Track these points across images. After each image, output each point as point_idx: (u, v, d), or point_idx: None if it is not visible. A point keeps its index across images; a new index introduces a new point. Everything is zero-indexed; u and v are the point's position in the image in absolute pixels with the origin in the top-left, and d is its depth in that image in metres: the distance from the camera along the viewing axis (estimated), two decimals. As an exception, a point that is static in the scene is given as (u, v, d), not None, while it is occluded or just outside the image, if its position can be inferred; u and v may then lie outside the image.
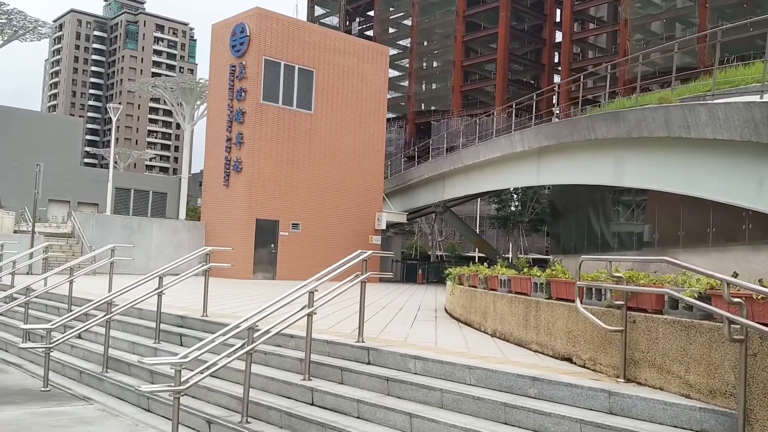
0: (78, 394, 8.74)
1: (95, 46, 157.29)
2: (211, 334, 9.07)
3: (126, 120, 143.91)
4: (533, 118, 25.15)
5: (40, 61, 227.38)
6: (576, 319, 6.68)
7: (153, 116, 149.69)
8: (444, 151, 44.15)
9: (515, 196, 47.62)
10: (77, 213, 26.45)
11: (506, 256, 49.48)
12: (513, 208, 49.29)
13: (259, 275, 27.43)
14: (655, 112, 14.71)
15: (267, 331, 7.14)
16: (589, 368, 6.41)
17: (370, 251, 8.37)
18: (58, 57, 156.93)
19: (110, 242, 26.35)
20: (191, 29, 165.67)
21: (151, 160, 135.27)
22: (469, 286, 10.93)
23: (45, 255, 14.49)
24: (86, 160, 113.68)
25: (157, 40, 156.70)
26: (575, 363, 6.67)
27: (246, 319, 7.04)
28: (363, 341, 7.73)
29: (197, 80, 45.02)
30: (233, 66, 28.67)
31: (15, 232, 25.57)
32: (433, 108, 69.91)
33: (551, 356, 7.20)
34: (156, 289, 9.74)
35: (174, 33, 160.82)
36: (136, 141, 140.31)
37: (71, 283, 12.03)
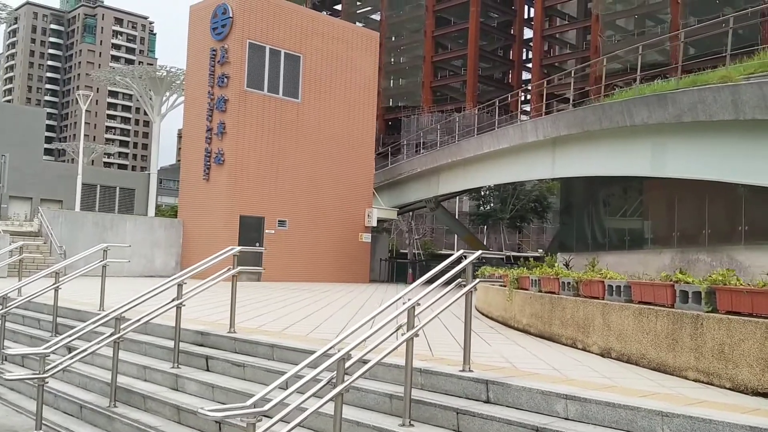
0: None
1: (52, 39, 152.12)
2: (248, 356, 7.16)
3: (84, 115, 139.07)
4: (516, 113, 23.54)
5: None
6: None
7: (111, 111, 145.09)
8: (414, 147, 42.59)
9: (496, 193, 46.34)
10: (45, 210, 23.96)
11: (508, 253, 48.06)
12: (493, 205, 48.04)
13: (243, 276, 25.23)
14: (718, 92, 13.12)
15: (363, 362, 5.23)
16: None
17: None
18: (13, 51, 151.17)
19: (81, 241, 24.06)
20: (151, 23, 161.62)
21: (109, 156, 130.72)
22: (546, 291, 9.12)
23: (20, 256, 12.26)
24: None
25: (115, 33, 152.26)
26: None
27: (334, 345, 5.12)
28: (471, 370, 5.85)
29: (168, 68, 42.48)
30: (214, 50, 26.45)
31: (-27, 230, 23.03)
32: (401, 104, 68.46)
33: (730, 389, 5.43)
34: (174, 300, 7.72)
35: (133, 27, 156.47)
36: (94, 137, 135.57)
37: (57, 290, 9.90)
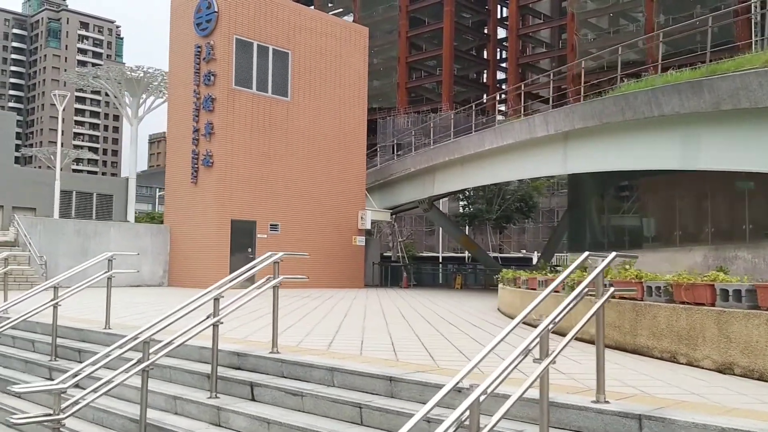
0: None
1: (15, 44, 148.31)
2: (299, 381, 6.01)
3: (50, 122, 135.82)
4: (493, 114, 22.66)
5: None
6: None
7: (79, 118, 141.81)
8: (391, 149, 41.63)
9: (481, 193, 45.51)
10: (22, 218, 22.36)
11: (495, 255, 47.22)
12: (479, 205, 47.18)
13: (236, 284, 23.92)
14: (766, 76, 12.24)
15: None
16: None
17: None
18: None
19: (62, 251, 22.52)
20: (118, 27, 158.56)
21: (78, 162, 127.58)
22: (622, 297, 8.04)
23: (5, 269, 10.86)
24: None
25: (81, 38, 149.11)
26: None
27: (463, 375, 3.97)
28: (607, 400, 4.74)
29: (146, 69, 40.79)
30: (198, 47, 25.11)
31: (-56, 241, 21.38)
32: (375, 106, 67.64)
33: None
34: (209, 317, 6.51)
35: (99, 31, 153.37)
36: (62, 143, 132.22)
37: (56, 307, 8.61)
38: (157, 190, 75.22)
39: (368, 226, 28.81)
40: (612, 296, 5.29)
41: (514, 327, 4.42)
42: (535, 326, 4.37)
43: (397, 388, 5.68)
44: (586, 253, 5.16)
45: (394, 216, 42.93)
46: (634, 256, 6.31)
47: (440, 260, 54.07)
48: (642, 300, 7.67)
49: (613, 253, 5.00)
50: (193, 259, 24.62)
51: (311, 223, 26.59)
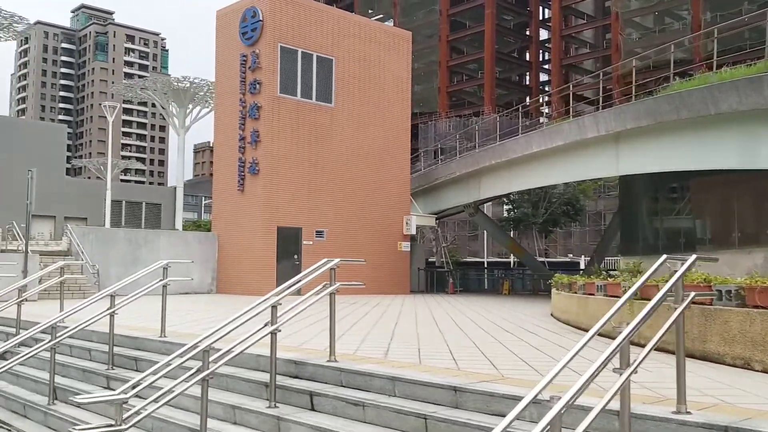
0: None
1: (63, 58, 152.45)
2: (359, 390, 5.88)
3: (98, 133, 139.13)
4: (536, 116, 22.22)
5: (4, 64, 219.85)
6: None
7: (126, 129, 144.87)
8: (433, 154, 41.31)
9: (526, 196, 44.92)
10: (74, 227, 22.80)
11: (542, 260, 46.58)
12: (524, 209, 46.54)
13: (290, 291, 23.97)
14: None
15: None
16: None
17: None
18: (25, 71, 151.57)
19: (113, 259, 22.87)
20: (163, 39, 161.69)
21: (126, 173, 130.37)
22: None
23: (61, 278, 11.01)
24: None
25: (127, 51, 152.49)
26: None
27: (541, 386, 3.78)
28: (689, 411, 4.49)
29: (191, 79, 41.40)
30: (244, 56, 25.30)
31: (2, 251, 21.90)
32: (416, 111, 67.48)
33: None
34: (267, 325, 6.43)
35: (145, 43, 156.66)
36: (108, 153, 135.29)
37: (112, 316, 8.65)
38: (203, 198, 76.29)
39: (413, 232, 28.62)
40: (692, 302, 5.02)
41: (592, 336, 4.20)
42: (614, 336, 4.15)
43: (462, 398, 5.50)
44: (664, 257, 4.91)
45: (438, 221, 42.74)
46: (714, 258, 6.02)
47: (485, 265, 53.57)
48: (711, 305, 7.35)
49: (693, 256, 4.76)
50: (240, 267, 24.77)
51: (356, 229, 26.53)
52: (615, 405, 4.15)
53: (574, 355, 4.02)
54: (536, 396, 3.70)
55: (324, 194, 25.78)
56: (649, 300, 7.31)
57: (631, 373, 4.06)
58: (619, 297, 10.30)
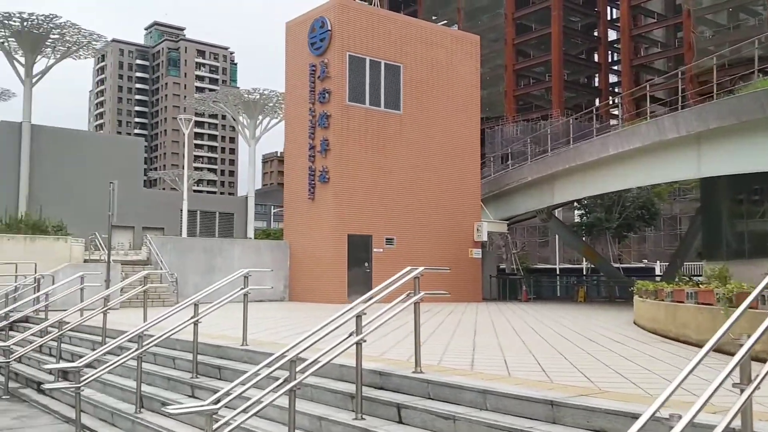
0: None
1: (138, 74, 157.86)
2: (447, 403, 5.67)
3: (172, 146, 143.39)
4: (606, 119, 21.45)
5: (84, 80, 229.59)
6: None
7: (198, 141, 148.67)
8: (501, 158, 40.66)
9: (599, 201, 43.82)
10: (153, 237, 23.43)
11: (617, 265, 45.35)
12: (597, 214, 45.34)
13: (355, 298, 23.91)
14: None
15: None
16: None
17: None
18: (102, 87, 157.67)
19: (190, 268, 23.34)
20: (231, 53, 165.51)
21: (198, 183, 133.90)
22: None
23: (144, 287, 11.25)
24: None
25: (198, 65, 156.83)
26: None
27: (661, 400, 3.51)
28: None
29: (261, 91, 42.18)
30: (313, 65, 25.52)
31: (85, 261, 22.65)
32: (483, 116, 66.86)
33: None
34: (352, 334, 6.33)
35: (215, 58, 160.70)
36: (183, 165, 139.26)
37: (196, 324, 8.71)
38: (271, 207, 77.48)
39: (484, 238, 28.23)
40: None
41: (709, 350, 3.91)
42: (733, 351, 3.85)
43: (560, 413, 5.25)
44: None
45: (508, 227, 42.11)
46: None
47: (557, 272, 52.50)
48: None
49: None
50: (312, 274, 24.92)
51: (426, 236, 26.33)
52: (735, 423, 3.85)
53: (691, 370, 3.75)
54: (654, 413, 3.45)
55: (393, 201, 25.71)
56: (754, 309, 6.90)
57: (754, 390, 3.75)
58: (711, 305, 9.83)
